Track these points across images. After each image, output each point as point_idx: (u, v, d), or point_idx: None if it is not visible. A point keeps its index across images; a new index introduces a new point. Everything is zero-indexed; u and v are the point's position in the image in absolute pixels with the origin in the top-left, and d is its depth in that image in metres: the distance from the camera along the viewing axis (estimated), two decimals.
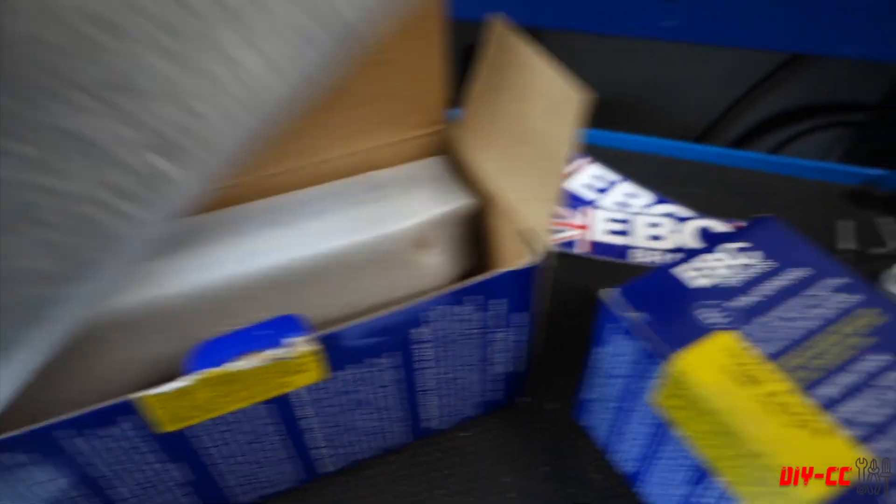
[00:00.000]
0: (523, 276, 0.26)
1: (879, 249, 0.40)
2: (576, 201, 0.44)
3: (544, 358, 0.35)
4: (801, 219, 0.43)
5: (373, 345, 0.25)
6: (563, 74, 0.23)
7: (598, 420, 0.30)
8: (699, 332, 0.23)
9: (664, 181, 0.46)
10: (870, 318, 0.24)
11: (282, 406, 0.25)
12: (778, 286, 0.25)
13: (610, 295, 0.25)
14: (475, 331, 0.27)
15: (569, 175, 0.46)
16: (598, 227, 0.42)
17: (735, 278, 0.25)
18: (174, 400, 0.22)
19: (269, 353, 0.22)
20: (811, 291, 0.24)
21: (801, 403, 0.21)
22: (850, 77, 0.84)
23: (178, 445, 0.24)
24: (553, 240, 0.25)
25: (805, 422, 0.21)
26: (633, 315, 0.24)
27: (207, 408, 0.23)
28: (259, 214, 0.29)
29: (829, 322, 0.23)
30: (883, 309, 0.24)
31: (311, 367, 0.23)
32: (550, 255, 0.26)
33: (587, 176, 0.46)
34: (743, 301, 0.24)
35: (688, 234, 0.41)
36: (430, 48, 0.28)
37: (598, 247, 0.40)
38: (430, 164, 0.31)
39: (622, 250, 0.40)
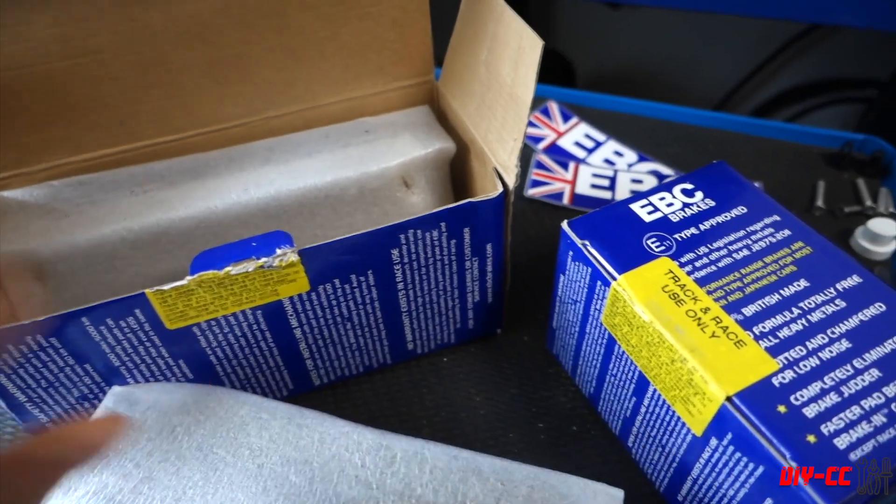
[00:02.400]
0: (491, 207, 0.29)
1: (854, 208, 0.42)
2: (566, 157, 0.46)
3: (525, 297, 0.38)
4: (781, 178, 0.45)
5: (351, 261, 0.28)
6: (526, 24, 0.26)
7: (564, 346, 0.33)
8: (643, 257, 0.26)
9: (648, 141, 0.48)
10: (795, 250, 0.26)
11: (272, 315, 0.28)
12: (717, 221, 0.27)
13: (570, 225, 0.28)
14: (448, 257, 0.30)
15: (561, 133, 0.48)
16: (583, 182, 0.44)
17: (681, 214, 0.28)
18: (174, 298, 0.26)
19: (258, 261, 0.26)
20: (746, 227, 0.27)
21: (725, 319, 0.24)
22: (861, 54, 0.84)
23: (181, 343, 0.28)
24: (517, 174, 0.28)
25: (726, 333, 0.23)
26: (586, 242, 0.27)
27: (205, 309, 0.27)
28: (259, 152, 0.32)
29: (757, 253, 0.26)
30: (807, 243, 0.26)
31: (295, 278, 0.27)
32: (514, 189, 0.29)
33: (578, 134, 0.48)
34: (685, 233, 0.27)
35: None
36: (414, 3, 0.31)
37: (580, 199, 0.43)
38: (416, 112, 0.34)
39: (605, 203, 0.43)
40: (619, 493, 0.25)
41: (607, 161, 0.46)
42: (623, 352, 0.27)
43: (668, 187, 0.29)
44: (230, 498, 0.25)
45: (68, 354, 0.26)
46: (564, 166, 0.45)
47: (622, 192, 0.43)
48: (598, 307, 0.27)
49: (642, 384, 0.26)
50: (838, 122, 0.91)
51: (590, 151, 0.47)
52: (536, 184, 0.44)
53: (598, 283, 0.27)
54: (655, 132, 0.49)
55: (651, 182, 0.44)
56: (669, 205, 0.28)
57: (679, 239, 0.27)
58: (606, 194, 0.43)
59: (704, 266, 0.26)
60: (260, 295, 0.27)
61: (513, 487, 0.25)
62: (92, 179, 0.31)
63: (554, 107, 0.50)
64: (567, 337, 0.32)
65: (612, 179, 0.44)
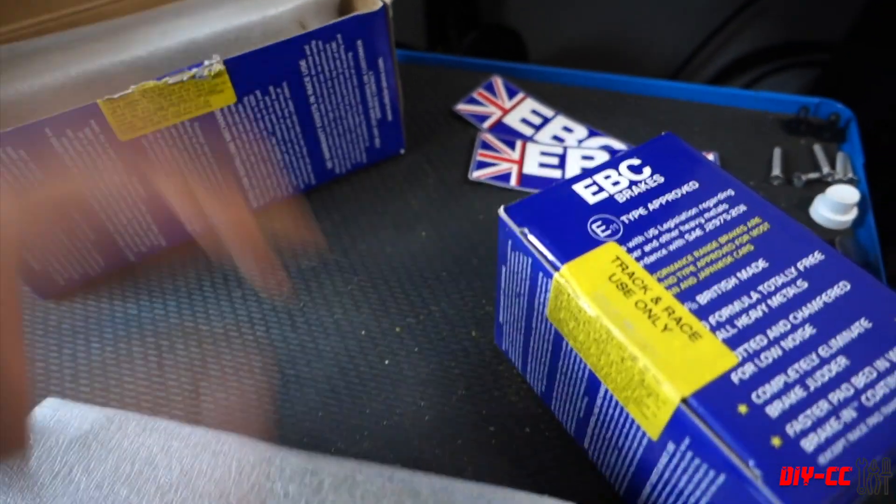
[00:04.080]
0: (375, 19, 0.34)
1: (812, 175, 0.40)
2: (512, 136, 0.44)
3: (471, 289, 0.35)
4: (738, 147, 0.43)
5: (267, 72, 0.33)
6: None
7: (512, 342, 0.30)
8: (587, 244, 0.24)
9: (598, 115, 0.45)
10: (751, 227, 0.24)
11: (207, 127, 0.33)
12: (667, 200, 0.25)
13: (507, 211, 0.25)
14: (347, 70, 0.36)
15: (507, 110, 0.45)
16: (531, 161, 0.42)
17: (628, 193, 0.25)
18: (122, 108, 0.30)
19: (190, 72, 0.31)
20: (698, 204, 0.25)
21: (678, 309, 0.21)
22: (813, 17, 0.83)
23: (133, 156, 0.31)
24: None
25: (679, 326, 0.21)
26: (524, 230, 0.24)
27: (150, 120, 0.31)
28: (170, 11, 0.37)
29: (711, 233, 0.24)
30: (765, 218, 0.24)
31: (223, 88, 0.32)
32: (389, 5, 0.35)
33: (525, 111, 0.45)
34: (633, 215, 0.24)
35: None
36: None
37: (528, 179, 0.40)
38: None
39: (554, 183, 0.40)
40: None
41: (556, 138, 0.43)
42: (571, 349, 0.24)
43: (613, 164, 0.27)
44: None
45: (36, 169, 0.30)
46: (511, 145, 0.43)
47: (573, 171, 0.41)
48: (541, 301, 0.25)
49: (593, 383, 0.24)
50: (793, 87, 0.90)
51: (537, 128, 0.44)
52: (482, 165, 0.41)
53: (540, 274, 0.24)
54: (606, 105, 0.46)
55: (603, 158, 0.41)
56: (615, 183, 0.26)
57: (626, 221, 0.24)
58: (556, 173, 0.41)
59: (654, 250, 0.23)
60: (195, 105, 0.32)
61: None
62: (25, 44, 0.34)
63: (499, 82, 0.47)
64: (514, 333, 0.29)
65: (562, 157, 0.42)
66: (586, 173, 0.27)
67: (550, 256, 0.23)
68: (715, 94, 0.46)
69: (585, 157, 0.42)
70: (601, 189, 0.26)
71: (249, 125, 0.35)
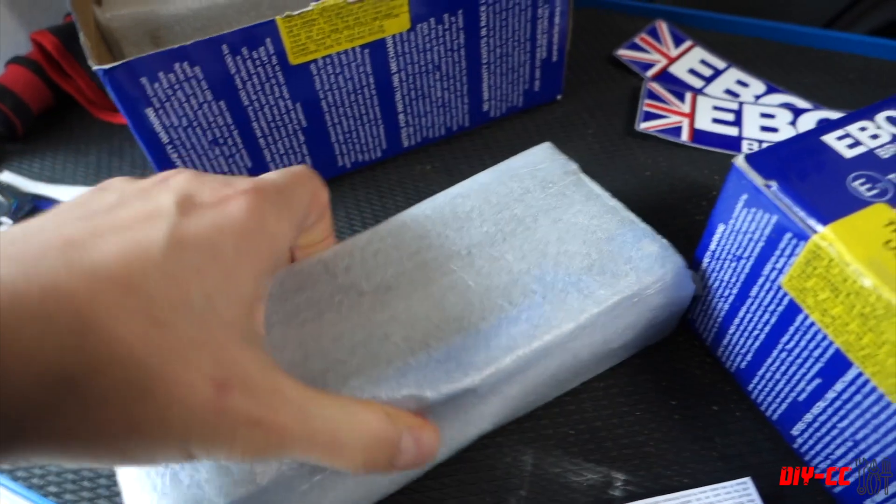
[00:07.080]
0: None
1: None
2: (681, 87, 0.40)
3: None
4: None
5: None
6: None
7: (706, 311, 0.27)
8: (851, 205, 0.20)
9: (777, 69, 0.41)
10: None
11: (376, 54, 0.32)
12: None
13: (749, 160, 0.22)
14: (525, 1, 0.33)
15: (673, 59, 0.41)
16: (703, 116, 0.38)
17: (892, 149, 0.22)
18: (299, 28, 0.28)
19: None
20: None
21: None
22: None
23: (300, 83, 0.31)
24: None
25: None
26: (771, 182, 0.21)
27: (322, 43, 0.30)
28: None
29: None
30: None
31: (399, 13, 0.30)
32: None
33: (693, 61, 0.41)
34: None
35: (806, 127, 0.36)
36: None
37: (701, 135, 0.36)
38: None
39: (731, 141, 0.36)
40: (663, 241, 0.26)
41: (729, 92, 0.39)
42: (811, 323, 0.21)
43: (867, 114, 0.23)
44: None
45: (208, 88, 0.29)
46: (680, 97, 0.39)
47: (751, 129, 0.37)
48: (778, 266, 0.22)
49: (837, 365, 0.21)
50: None
51: (708, 80, 0.40)
52: (650, 116, 0.38)
53: (787, 235, 0.21)
54: (783, 58, 0.42)
55: (785, 117, 0.37)
56: (874, 136, 0.22)
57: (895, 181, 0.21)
58: (732, 130, 0.37)
59: None
60: (369, 30, 0.30)
61: None
62: None
63: (663, 27, 0.43)
64: (715, 301, 0.26)
65: (738, 114, 0.38)
66: (834, 123, 0.23)
67: (804, 215, 0.20)
68: None
69: (765, 115, 0.37)
70: (858, 142, 0.22)
71: (417, 56, 0.33)
